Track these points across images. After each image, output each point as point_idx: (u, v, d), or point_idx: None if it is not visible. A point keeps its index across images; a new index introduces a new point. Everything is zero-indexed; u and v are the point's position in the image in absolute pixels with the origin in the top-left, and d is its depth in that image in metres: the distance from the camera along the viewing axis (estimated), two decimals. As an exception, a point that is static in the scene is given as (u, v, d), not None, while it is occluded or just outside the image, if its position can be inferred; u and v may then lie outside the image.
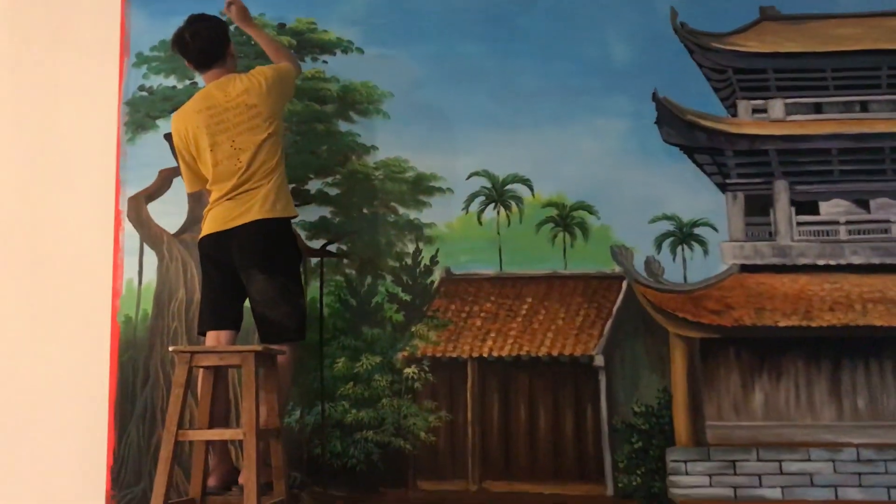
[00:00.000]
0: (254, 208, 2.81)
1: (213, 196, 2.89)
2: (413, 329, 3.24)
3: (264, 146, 2.85)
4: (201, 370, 2.74)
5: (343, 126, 3.37)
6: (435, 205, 3.32)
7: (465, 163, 3.32)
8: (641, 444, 3.11)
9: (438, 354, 3.22)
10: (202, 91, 2.95)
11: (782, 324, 3.17)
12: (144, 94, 3.43)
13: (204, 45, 2.90)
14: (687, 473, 3.10)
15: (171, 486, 2.54)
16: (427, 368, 3.21)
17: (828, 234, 3.26)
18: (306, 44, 3.39)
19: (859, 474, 3.05)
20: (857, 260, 3.22)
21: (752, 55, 3.33)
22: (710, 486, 3.08)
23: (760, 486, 3.07)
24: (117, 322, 3.28)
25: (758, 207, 3.28)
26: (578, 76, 3.33)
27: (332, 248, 3.30)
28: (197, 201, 3.30)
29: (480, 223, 3.31)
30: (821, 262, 3.23)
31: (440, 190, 3.32)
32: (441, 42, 3.38)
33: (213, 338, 2.87)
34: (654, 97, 3.30)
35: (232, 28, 3.12)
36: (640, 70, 3.32)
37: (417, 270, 3.29)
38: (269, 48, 3.11)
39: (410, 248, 3.30)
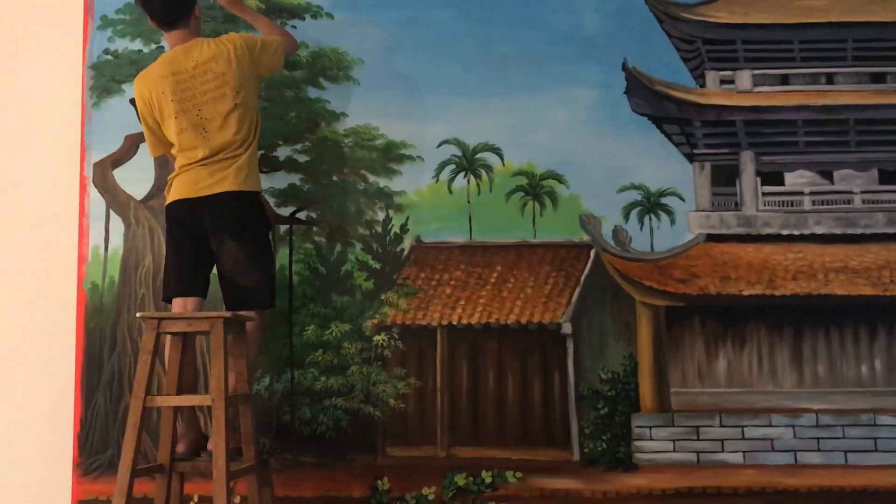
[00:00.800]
0: (227, 180, 2.79)
1: (180, 162, 2.86)
2: (383, 297, 3.25)
3: (232, 116, 2.81)
4: (169, 337, 2.72)
5: (313, 92, 3.34)
6: (405, 173, 3.31)
7: (435, 131, 3.31)
8: (607, 410, 3.16)
9: (408, 322, 3.24)
10: (167, 55, 2.90)
11: (746, 292, 3.23)
12: (109, 57, 3.37)
13: (167, 3, 2.84)
14: (651, 439, 3.16)
15: (139, 452, 2.53)
16: (397, 336, 3.22)
17: (792, 205, 3.31)
18: (275, 8, 3.35)
19: (818, 439, 3.13)
20: (820, 230, 3.28)
21: (720, 26, 3.35)
22: (674, 451, 3.15)
23: (723, 451, 3.14)
24: (83, 289, 3.24)
25: (724, 178, 3.32)
26: (550, 45, 3.32)
27: (302, 215, 3.28)
28: (163, 167, 3.26)
29: (451, 191, 3.31)
30: (785, 233, 3.29)
31: (410, 158, 3.31)
32: (412, 8, 3.36)
33: (179, 304, 2.86)
34: (624, 67, 3.30)
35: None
36: (611, 39, 3.32)
37: (387, 238, 3.29)
38: (264, 29, 3.05)
39: (380, 215, 3.30)
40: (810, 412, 3.16)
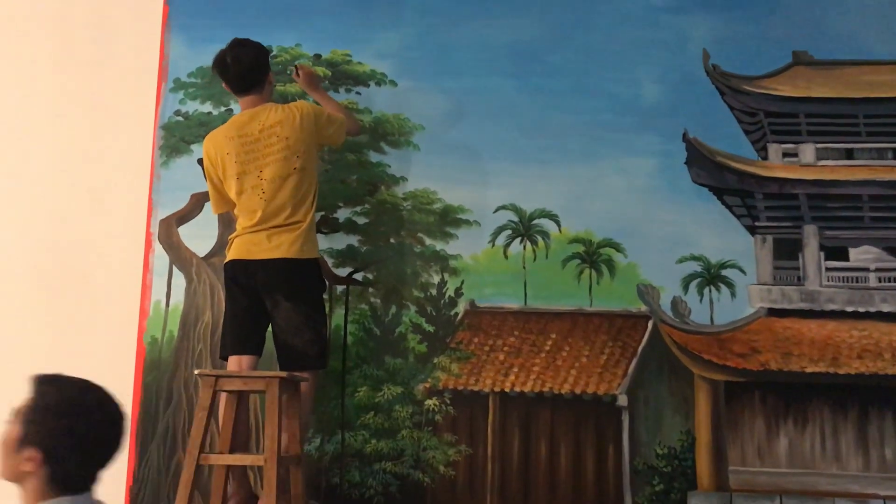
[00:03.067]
0: (283, 247, 2.83)
1: (240, 223, 2.92)
2: (435, 360, 3.23)
3: (290, 180, 2.87)
4: (224, 394, 2.75)
5: (374, 157, 3.40)
6: (461, 237, 3.33)
7: (492, 196, 3.34)
8: (663, 486, 3.07)
9: (460, 387, 3.21)
10: (236, 117, 3.00)
11: (809, 369, 3.14)
12: (180, 118, 3.49)
13: (243, 71, 2.94)
14: (708, 518, 3.05)
15: (190, 509, 2.54)
16: (448, 401, 3.20)
17: (857, 281, 3.23)
18: (341, 75, 3.44)
19: (886, 527, 2.99)
20: (886, 308, 3.18)
21: (783, 99, 3.33)
22: (732, 532, 3.04)
23: (783, 534, 3.02)
24: (143, 343, 3.31)
25: (786, 251, 3.26)
26: (608, 113, 3.34)
27: (359, 276, 3.31)
28: (227, 226, 3.33)
29: (506, 257, 3.31)
30: (849, 309, 3.20)
31: (467, 222, 3.34)
32: (472, 76, 3.42)
33: (235, 362, 2.88)
34: (685, 137, 3.30)
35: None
36: (671, 110, 3.33)
37: (442, 302, 3.30)
38: (330, 109, 3.13)
39: (435, 278, 3.31)
40: (877, 498, 3.02)
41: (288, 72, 3.35)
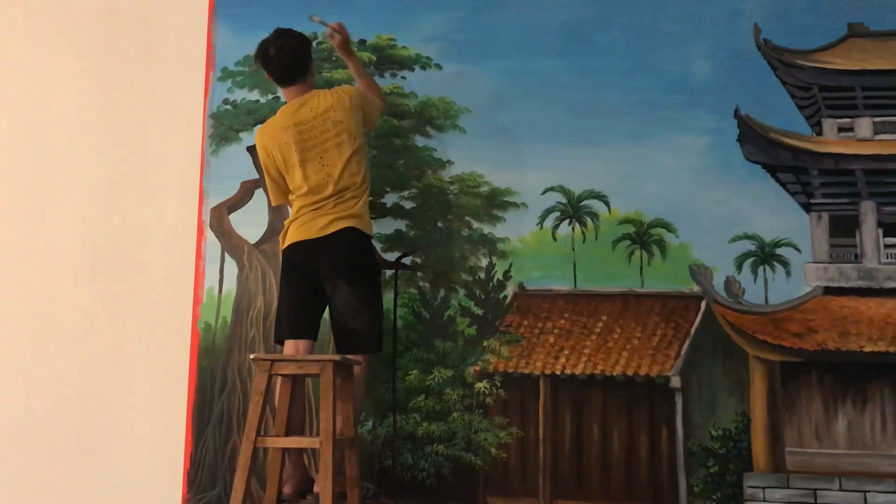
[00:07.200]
0: (348, 219, 2.86)
1: (301, 203, 2.92)
2: (485, 343, 3.23)
3: (351, 161, 2.90)
4: (279, 378, 2.78)
5: (420, 141, 3.40)
6: (509, 219, 3.31)
7: (540, 178, 3.31)
8: (718, 468, 3.04)
9: (510, 370, 3.21)
10: (285, 108, 3.01)
11: (868, 349, 3.07)
12: (228, 107, 3.52)
13: (287, 62, 2.95)
14: (765, 500, 3.01)
15: (248, 493, 2.58)
16: (498, 384, 3.20)
17: (917, 258, 3.15)
18: (386, 60, 3.44)
19: (948, 508, 2.93)
20: (948, 285, 3.10)
21: (838, 72, 3.25)
22: (789, 514, 3.00)
23: (842, 516, 2.97)
24: (197, 329, 3.36)
25: (843, 228, 3.19)
26: (658, 92, 3.29)
27: (407, 260, 3.32)
28: (277, 213, 3.37)
29: (555, 239, 3.29)
30: (909, 287, 3.12)
31: (514, 205, 3.32)
32: (519, 58, 3.39)
33: (291, 346, 2.91)
34: (737, 114, 3.24)
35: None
36: (722, 87, 3.27)
37: (490, 285, 3.29)
38: (361, 80, 3.15)
39: (484, 262, 3.30)
40: (940, 479, 2.96)
41: (324, 34, 3.25)
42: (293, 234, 2.92)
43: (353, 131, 2.93)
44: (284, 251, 2.95)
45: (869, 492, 2.97)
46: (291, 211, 2.99)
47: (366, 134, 3.08)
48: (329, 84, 3.34)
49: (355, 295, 2.83)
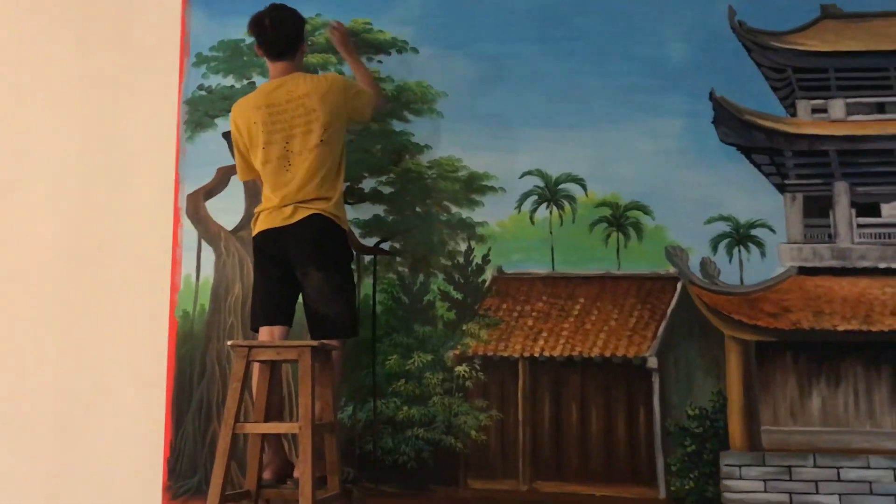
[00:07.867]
0: (312, 206, 2.84)
1: (266, 198, 2.92)
2: (464, 327, 3.25)
3: (315, 153, 2.86)
4: (257, 364, 2.78)
5: (397, 125, 3.39)
6: (487, 204, 3.32)
7: (518, 162, 3.32)
8: (695, 447, 3.08)
9: (490, 353, 3.23)
10: (264, 86, 2.99)
11: (841, 328, 3.11)
12: (203, 93, 3.50)
13: (281, 34, 2.92)
14: (741, 478, 3.05)
15: (227, 478, 2.58)
16: (478, 367, 3.22)
17: (889, 237, 3.18)
18: (362, 44, 3.43)
19: (921, 483, 2.98)
20: (920, 263, 3.14)
21: (812, 54, 3.27)
22: (765, 491, 3.03)
23: (817, 492, 3.01)
24: (175, 317, 3.35)
25: (817, 209, 3.22)
26: (634, 75, 3.30)
27: (386, 245, 3.32)
28: (253, 199, 3.35)
29: (533, 222, 3.30)
30: (882, 266, 3.16)
31: (493, 189, 3.33)
32: (496, 42, 3.39)
33: (266, 333, 2.91)
34: (711, 96, 3.26)
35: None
36: (697, 69, 3.28)
37: (469, 269, 3.30)
38: (359, 75, 3.15)
39: (462, 246, 3.31)
40: (912, 455, 3.01)
41: (323, 30, 3.30)
42: (262, 222, 2.91)
43: (326, 121, 2.88)
44: (255, 239, 2.94)
45: (842, 468, 3.02)
46: (262, 196, 2.97)
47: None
48: (306, 68, 3.32)
49: (327, 281, 2.83)
